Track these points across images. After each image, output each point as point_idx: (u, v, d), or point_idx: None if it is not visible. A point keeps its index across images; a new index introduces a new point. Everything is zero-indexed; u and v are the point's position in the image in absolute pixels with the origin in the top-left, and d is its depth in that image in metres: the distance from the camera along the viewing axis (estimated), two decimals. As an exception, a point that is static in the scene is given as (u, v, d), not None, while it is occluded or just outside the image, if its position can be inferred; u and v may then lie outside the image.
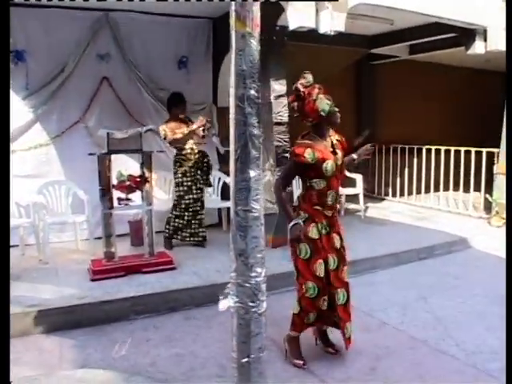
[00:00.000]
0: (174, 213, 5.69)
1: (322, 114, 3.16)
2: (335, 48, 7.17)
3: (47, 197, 5.67)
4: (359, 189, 7.36)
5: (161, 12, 6.11)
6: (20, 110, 5.54)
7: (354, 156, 3.56)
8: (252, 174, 2.11)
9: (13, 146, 5.62)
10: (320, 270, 3.24)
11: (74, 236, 5.66)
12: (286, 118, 5.70)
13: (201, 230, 5.79)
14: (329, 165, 3.16)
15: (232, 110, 2.13)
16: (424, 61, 8.91)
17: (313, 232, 3.22)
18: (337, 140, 3.36)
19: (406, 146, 8.52)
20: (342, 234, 3.44)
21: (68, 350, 3.67)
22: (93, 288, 4.48)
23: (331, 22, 4.85)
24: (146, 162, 4.89)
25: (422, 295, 4.63)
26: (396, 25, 6.79)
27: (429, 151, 8.09)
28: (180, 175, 5.60)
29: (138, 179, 4.87)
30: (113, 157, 4.75)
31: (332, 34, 4.93)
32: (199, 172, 5.68)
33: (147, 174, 4.90)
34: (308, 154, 3.13)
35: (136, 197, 4.97)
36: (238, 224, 2.15)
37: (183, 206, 5.63)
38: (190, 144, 5.63)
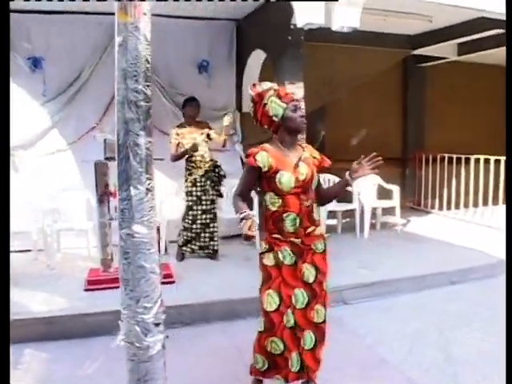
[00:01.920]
0: (183, 224, 5.47)
1: (275, 119, 2.70)
2: (373, 49, 6.67)
3: (61, 203, 5.66)
4: (396, 201, 6.74)
5: (181, 15, 5.95)
6: (37, 116, 5.60)
7: (347, 176, 2.78)
8: (133, 191, 1.79)
9: (30, 152, 5.69)
10: (268, 303, 2.72)
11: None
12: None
13: (212, 242, 5.50)
14: (284, 177, 2.64)
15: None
16: (472, 62, 8.17)
17: (268, 258, 2.74)
18: (313, 156, 2.83)
19: (454, 156, 7.75)
20: (323, 264, 2.78)
21: (36, 363, 3.52)
22: (82, 298, 4.35)
23: (344, 18, 4.41)
24: (146, 169, 4.69)
25: (440, 327, 4.02)
26: (436, 22, 6.15)
27: (477, 161, 7.31)
28: (189, 184, 5.36)
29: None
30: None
31: (346, 31, 4.49)
32: (210, 182, 5.41)
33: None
34: (260, 157, 2.66)
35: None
36: (122, 250, 1.84)
37: (190, 217, 5.39)
38: (200, 151, 5.37)
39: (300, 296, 2.72)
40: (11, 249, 5.73)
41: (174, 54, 6.12)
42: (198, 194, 5.35)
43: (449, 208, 8.05)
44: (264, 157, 2.66)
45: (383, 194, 6.95)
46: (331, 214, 6.84)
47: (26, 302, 4.21)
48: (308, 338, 2.75)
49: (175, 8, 5.56)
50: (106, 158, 4.59)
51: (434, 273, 5.05)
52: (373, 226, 6.93)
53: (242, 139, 6.44)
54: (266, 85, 2.75)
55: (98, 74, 5.77)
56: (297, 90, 5.25)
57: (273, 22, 5.29)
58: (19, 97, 5.57)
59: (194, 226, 5.43)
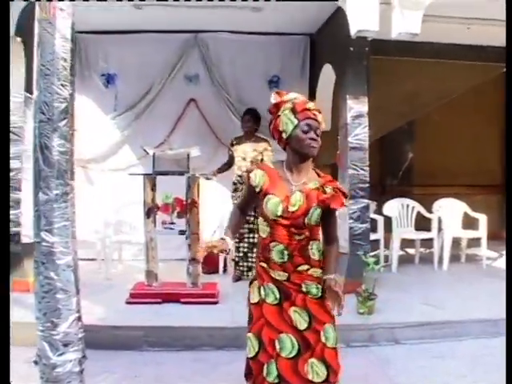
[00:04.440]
0: None
1: (283, 135, 2.35)
2: (464, 63, 6.00)
3: (126, 216, 5.80)
4: (482, 232, 5.92)
5: (251, 31, 5.89)
6: (108, 131, 5.85)
7: (326, 278, 2.34)
8: (42, 196, 1.66)
9: (103, 166, 5.97)
10: (248, 347, 2.40)
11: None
12: (365, 143, 4.85)
13: (259, 263, 5.25)
14: (271, 201, 2.30)
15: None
16: None
17: (253, 294, 2.44)
18: (323, 190, 2.33)
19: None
20: (319, 312, 2.34)
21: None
22: (121, 311, 4.37)
23: (403, 24, 3.99)
24: (193, 186, 4.62)
25: (502, 384, 3.36)
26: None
27: None
28: (234, 201, 5.20)
29: (184, 203, 4.64)
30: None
31: (405, 38, 4.07)
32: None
33: (195, 199, 4.63)
34: (254, 176, 2.37)
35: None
36: (34, 259, 1.72)
37: (237, 235, 5.19)
38: (246, 162, 5.21)
39: (287, 342, 2.30)
40: (79, 256, 6.12)
41: (244, 70, 6.07)
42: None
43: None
44: (258, 176, 2.36)
45: (468, 223, 6.18)
46: (409, 243, 6.24)
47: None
48: None
49: (248, 24, 5.54)
50: (155, 173, 4.61)
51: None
52: (456, 259, 6.18)
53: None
54: (289, 95, 2.41)
55: (167, 90, 5.91)
56: (360, 105, 4.88)
57: (338, 34, 5.00)
58: (93, 112, 5.90)
59: (241, 245, 5.27)
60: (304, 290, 2.34)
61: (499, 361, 3.69)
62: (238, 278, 5.40)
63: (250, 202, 2.59)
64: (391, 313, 4.38)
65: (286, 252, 2.31)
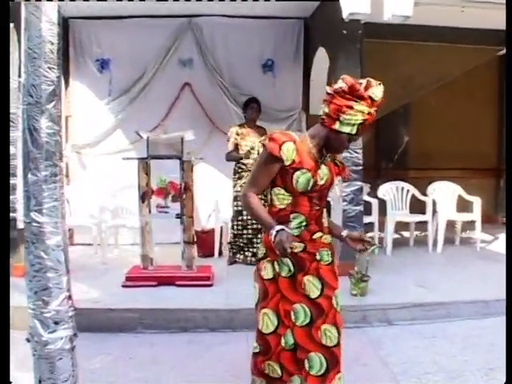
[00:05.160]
0: (233, 231, 5.35)
1: (336, 124, 2.20)
2: (458, 47, 5.98)
3: (122, 200, 5.83)
4: (476, 215, 5.95)
5: (245, 15, 5.85)
6: (103, 115, 5.85)
7: (343, 234, 2.45)
8: (31, 178, 1.69)
9: (96, 150, 5.98)
10: (264, 323, 2.39)
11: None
12: (358, 126, 4.85)
13: (263, 248, 5.30)
14: (303, 176, 2.26)
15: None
16: None
17: (265, 269, 2.39)
18: (334, 162, 2.43)
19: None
20: (330, 277, 2.37)
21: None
22: (116, 294, 4.41)
23: (395, 6, 3.98)
24: (187, 170, 4.64)
25: (490, 364, 3.37)
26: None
27: None
28: (239, 188, 5.21)
29: (179, 187, 4.66)
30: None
31: (397, 21, 4.06)
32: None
33: (189, 183, 4.66)
34: (286, 149, 2.23)
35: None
36: (25, 239, 1.76)
37: (240, 222, 5.28)
38: (253, 155, 5.22)
39: (301, 311, 2.33)
40: (75, 241, 6.17)
41: (238, 54, 6.05)
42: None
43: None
44: (290, 149, 2.24)
45: (463, 206, 6.21)
46: (404, 226, 6.28)
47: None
48: (317, 362, 2.31)
49: (241, 8, 5.50)
50: (148, 157, 4.62)
51: (499, 299, 4.31)
52: (451, 241, 6.23)
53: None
54: (377, 95, 2.19)
55: (161, 75, 5.89)
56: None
57: (332, 18, 4.97)
58: (87, 97, 5.89)
59: (245, 232, 5.31)
60: (318, 257, 2.36)
61: (489, 341, 3.78)
62: (233, 261, 5.45)
63: (269, 180, 2.37)
64: (384, 294, 4.43)
65: (305, 222, 2.32)
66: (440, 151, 7.20)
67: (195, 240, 5.00)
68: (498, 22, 5.73)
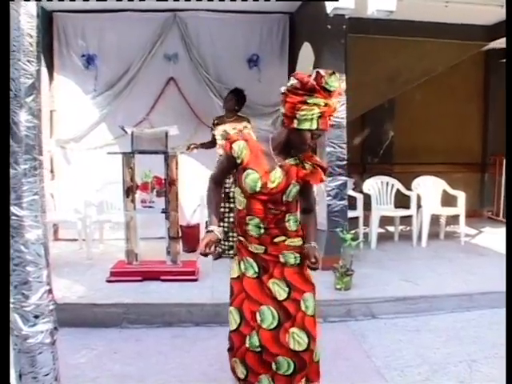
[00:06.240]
0: None
1: (294, 122, 2.19)
2: (442, 42, 6.03)
3: (107, 195, 5.79)
4: (460, 209, 6.01)
5: (231, 9, 5.81)
6: (88, 110, 5.80)
7: (305, 246, 2.40)
8: (11, 171, 1.68)
9: (81, 145, 5.93)
10: (230, 321, 2.46)
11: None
12: (343, 121, 4.87)
13: (241, 242, 5.29)
14: (250, 177, 2.28)
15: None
16: None
17: (233, 269, 2.48)
18: (302, 167, 2.35)
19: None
20: (297, 280, 2.38)
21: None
22: (101, 289, 4.39)
23: (379, 1, 4.00)
24: (171, 164, 4.62)
25: (472, 356, 3.43)
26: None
27: None
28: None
29: (163, 181, 4.64)
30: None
31: (381, 16, 4.09)
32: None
33: (174, 177, 4.64)
34: (237, 147, 2.31)
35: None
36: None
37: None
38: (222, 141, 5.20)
39: (268, 314, 2.35)
40: (60, 237, 6.12)
41: (223, 48, 6.01)
42: (226, 190, 5.16)
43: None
44: (241, 147, 2.31)
45: (447, 200, 6.27)
46: (389, 221, 6.32)
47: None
48: (284, 364, 2.34)
49: (226, 3, 5.48)
50: (133, 151, 4.60)
51: (483, 292, 4.38)
52: (435, 236, 6.28)
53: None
54: (333, 87, 2.16)
55: (146, 69, 5.83)
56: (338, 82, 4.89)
57: (317, 13, 4.98)
58: (73, 92, 5.83)
59: (222, 224, 5.26)
60: (282, 260, 2.38)
61: (473, 334, 3.83)
62: (218, 256, 5.44)
63: (227, 172, 2.59)
64: (368, 288, 4.46)
65: (261, 225, 2.33)
66: (425, 146, 7.24)
67: (180, 235, 5.00)
68: (482, 17, 5.85)
